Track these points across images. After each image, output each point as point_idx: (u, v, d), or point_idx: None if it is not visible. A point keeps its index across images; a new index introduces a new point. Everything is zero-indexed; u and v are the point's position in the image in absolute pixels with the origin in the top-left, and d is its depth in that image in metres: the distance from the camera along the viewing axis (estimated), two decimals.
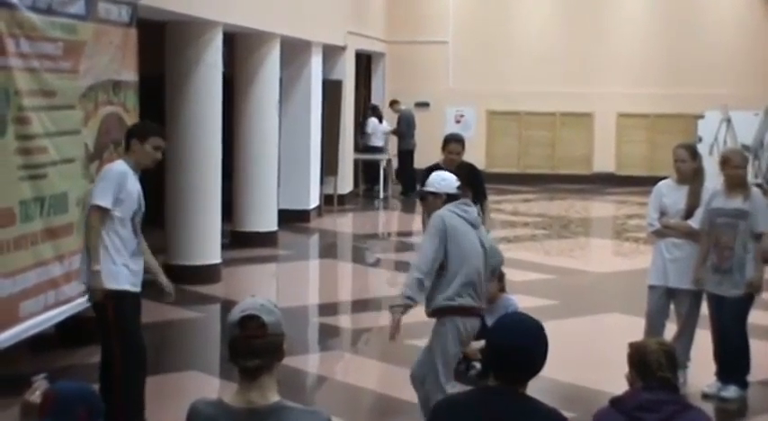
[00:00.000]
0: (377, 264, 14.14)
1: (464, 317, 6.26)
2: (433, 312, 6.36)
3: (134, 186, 6.29)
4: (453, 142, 8.50)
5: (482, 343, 6.26)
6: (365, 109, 21.58)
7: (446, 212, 6.31)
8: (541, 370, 3.46)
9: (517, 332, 3.47)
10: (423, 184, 6.73)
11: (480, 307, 6.35)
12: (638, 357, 3.95)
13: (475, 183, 8.28)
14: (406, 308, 6.21)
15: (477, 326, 6.32)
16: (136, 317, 6.44)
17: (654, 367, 3.89)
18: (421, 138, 21.03)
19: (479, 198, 8.32)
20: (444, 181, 6.49)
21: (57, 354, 8.16)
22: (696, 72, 22.64)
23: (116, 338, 6.28)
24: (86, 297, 6.56)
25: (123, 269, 6.24)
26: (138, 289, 6.38)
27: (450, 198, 6.40)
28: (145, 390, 6.47)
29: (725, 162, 7.44)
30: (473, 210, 6.50)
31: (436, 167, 8.27)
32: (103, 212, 6.17)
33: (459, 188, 6.49)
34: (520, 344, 3.41)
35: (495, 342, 3.50)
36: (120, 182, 6.21)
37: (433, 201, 6.47)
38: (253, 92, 13.99)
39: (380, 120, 20.87)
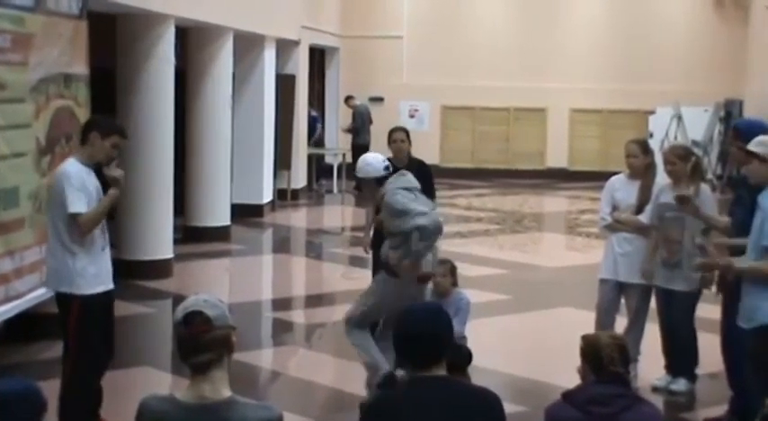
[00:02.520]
0: (327, 256, 14.11)
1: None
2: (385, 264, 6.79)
3: (91, 184, 6.14)
4: (396, 131, 8.57)
5: None
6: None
7: (391, 187, 6.61)
8: (447, 349, 3.63)
9: (419, 318, 3.66)
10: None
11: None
12: (591, 351, 3.98)
13: (424, 181, 8.29)
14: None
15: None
16: (105, 318, 6.31)
17: (606, 361, 3.92)
18: (375, 133, 21.02)
19: (428, 196, 8.34)
20: (369, 165, 6.69)
21: (6, 351, 8.06)
22: (647, 68, 22.85)
23: (74, 341, 6.16)
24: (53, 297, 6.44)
25: (88, 270, 6.09)
26: (106, 286, 6.24)
27: (378, 181, 6.64)
28: (102, 388, 6.41)
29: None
30: (411, 176, 6.83)
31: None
32: (84, 216, 6.02)
33: (386, 169, 6.73)
34: (422, 330, 3.59)
35: (401, 331, 3.65)
36: (81, 183, 6.05)
37: (367, 187, 6.75)
38: (205, 86, 13.91)
39: None
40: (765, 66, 19.83)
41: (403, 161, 8.21)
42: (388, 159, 8.19)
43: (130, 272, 10.81)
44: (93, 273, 6.12)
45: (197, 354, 3.16)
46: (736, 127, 7.01)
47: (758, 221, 5.73)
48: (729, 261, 5.85)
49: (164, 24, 11.41)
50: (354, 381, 7.36)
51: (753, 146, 5.78)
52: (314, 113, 21.25)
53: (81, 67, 8.86)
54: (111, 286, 6.32)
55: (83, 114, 8.69)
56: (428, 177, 8.47)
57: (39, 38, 7.99)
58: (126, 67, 11.39)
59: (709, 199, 7.40)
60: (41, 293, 7.96)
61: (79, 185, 6.04)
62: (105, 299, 6.26)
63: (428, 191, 8.37)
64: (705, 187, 7.46)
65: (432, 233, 6.52)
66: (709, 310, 7.47)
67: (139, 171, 11.20)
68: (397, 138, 8.46)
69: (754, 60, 21.31)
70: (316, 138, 21.00)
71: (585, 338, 4.04)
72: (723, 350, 6.86)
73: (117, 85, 11.45)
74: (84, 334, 6.13)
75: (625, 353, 3.99)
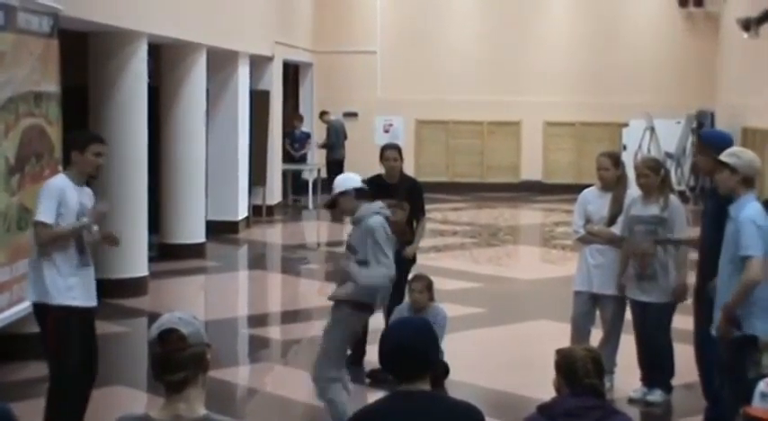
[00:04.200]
0: (307, 273, 14.08)
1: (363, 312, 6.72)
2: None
3: (73, 200, 6.18)
4: (388, 149, 8.61)
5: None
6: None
7: (378, 218, 6.57)
8: (434, 363, 3.66)
9: (405, 332, 3.67)
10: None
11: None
12: (566, 364, 3.98)
13: (414, 198, 8.39)
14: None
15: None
16: (88, 334, 6.32)
17: (581, 373, 3.93)
18: (350, 148, 21.06)
19: (417, 214, 8.42)
20: (347, 179, 6.81)
21: None
22: (620, 81, 22.98)
23: (54, 356, 6.15)
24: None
25: (68, 282, 6.12)
26: (87, 303, 6.27)
27: (358, 193, 6.66)
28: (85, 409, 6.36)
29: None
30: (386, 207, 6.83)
31: (377, 178, 8.36)
32: (46, 227, 6.06)
33: (363, 181, 6.80)
34: (408, 343, 3.59)
35: (387, 344, 3.64)
36: (60, 196, 6.11)
37: (345, 201, 6.70)
38: (179, 103, 13.88)
39: None
40: (735, 77, 19.99)
41: (395, 178, 8.33)
42: (380, 176, 8.35)
43: (105, 290, 10.68)
44: (68, 286, 6.12)
45: (171, 372, 3.14)
46: (703, 137, 7.16)
47: (730, 233, 5.76)
48: (727, 309, 5.78)
49: (136, 41, 11.38)
50: None
51: (725, 156, 5.83)
52: (305, 130, 21.28)
53: (52, 86, 8.81)
54: (92, 304, 6.32)
55: (54, 132, 8.65)
56: (419, 195, 8.57)
57: (8, 56, 7.93)
58: (99, 84, 11.34)
59: (678, 209, 7.47)
60: (12, 313, 7.90)
61: (57, 198, 6.09)
62: (85, 314, 6.26)
63: (418, 208, 8.46)
64: (674, 198, 7.54)
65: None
66: (683, 321, 7.51)
67: (114, 188, 11.13)
68: (390, 156, 8.49)
69: (724, 72, 21.48)
70: (302, 154, 21.02)
71: (560, 352, 4.05)
72: (698, 360, 6.90)
73: (90, 102, 11.40)
74: (61, 345, 6.11)
75: (599, 365, 4.00)
